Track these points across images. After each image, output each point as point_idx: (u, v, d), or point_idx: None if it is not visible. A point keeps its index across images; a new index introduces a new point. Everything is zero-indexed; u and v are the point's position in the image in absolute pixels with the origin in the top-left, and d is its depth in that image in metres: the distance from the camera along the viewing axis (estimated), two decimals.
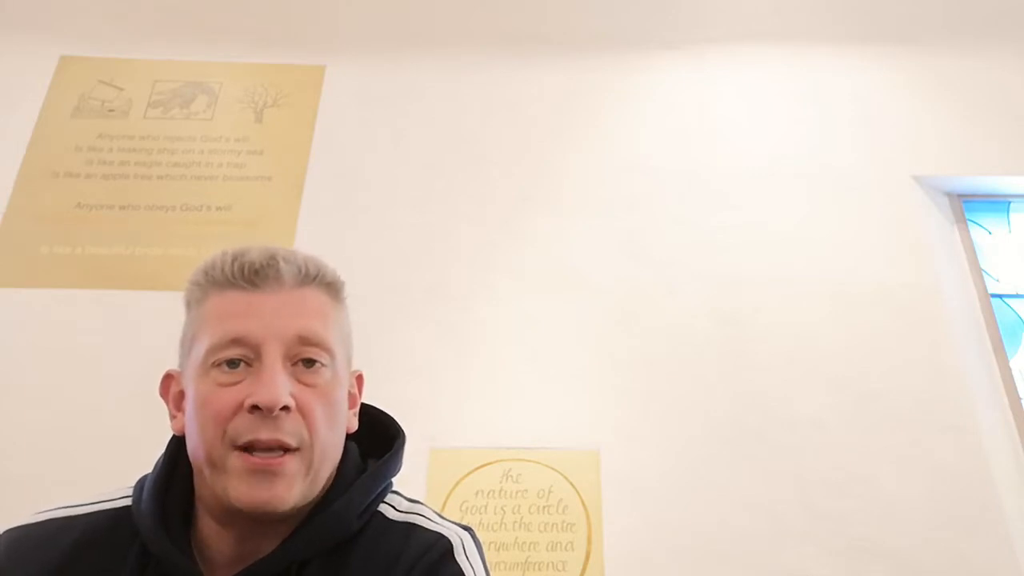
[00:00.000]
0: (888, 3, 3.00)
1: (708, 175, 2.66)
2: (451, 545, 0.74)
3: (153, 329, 2.32)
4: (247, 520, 0.69)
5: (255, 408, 0.67)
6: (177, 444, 0.76)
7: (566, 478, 2.13)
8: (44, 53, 2.85)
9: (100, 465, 2.08)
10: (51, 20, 2.95)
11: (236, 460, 0.67)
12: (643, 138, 2.75)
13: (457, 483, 2.12)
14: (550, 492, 2.12)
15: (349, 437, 0.79)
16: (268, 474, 0.67)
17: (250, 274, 0.72)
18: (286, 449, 0.68)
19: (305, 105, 2.80)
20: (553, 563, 2.03)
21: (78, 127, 2.72)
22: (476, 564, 0.75)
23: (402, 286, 2.43)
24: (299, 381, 0.70)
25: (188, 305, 0.77)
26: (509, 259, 2.49)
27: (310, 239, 2.51)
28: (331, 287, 0.79)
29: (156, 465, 0.76)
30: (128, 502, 0.75)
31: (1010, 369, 2.38)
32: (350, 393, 0.79)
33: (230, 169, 2.66)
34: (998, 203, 2.75)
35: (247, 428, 0.67)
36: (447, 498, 2.10)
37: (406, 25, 3.00)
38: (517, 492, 2.11)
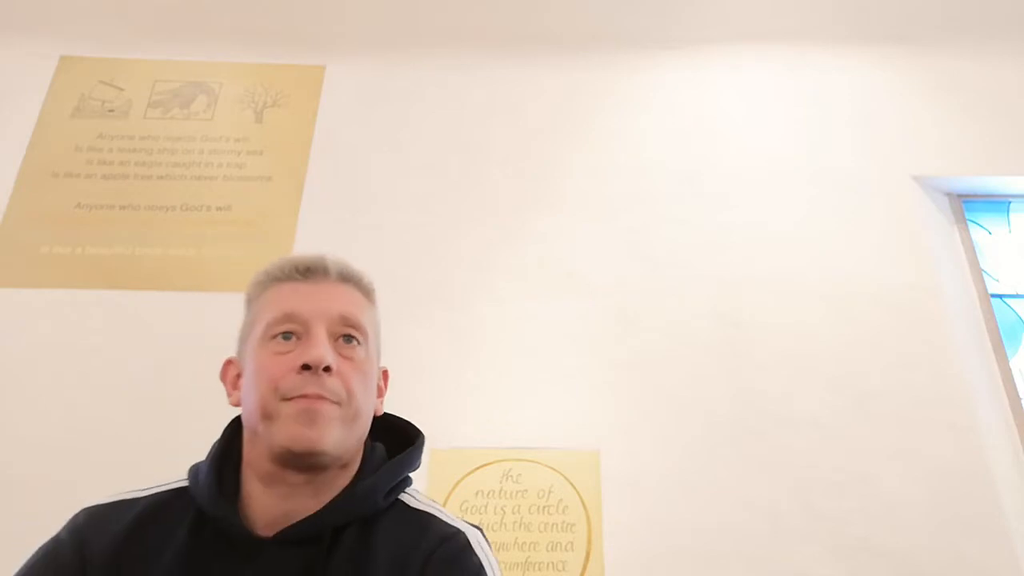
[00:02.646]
0: (888, 3, 3.00)
1: (708, 175, 2.66)
2: (468, 539, 0.82)
3: (153, 329, 2.33)
4: (289, 481, 0.81)
5: (304, 368, 0.81)
6: (230, 430, 0.91)
7: (566, 478, 2.13)
8: (44, 53, 2.85)
9: (101, 465, 2.08)
10: (51, 20, 2.95)
11: (286, 407, 0.80)
12: (643, 138, 2.75)
13: (457, 483, 2.12)
14: (550, 492, 2.12)
15: (373, 438, 0.91)
16: (312, 414, 0.79)
17: (302, 269, 0.89)
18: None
19: (305, 105, 2.81)
20: (553, 563, 2.03)
21: (78, 127, 2.72)
22: (492, 559, 0.83)
23: (402, 286, 2.43)
24: (339, 354, 0.85)
25: (249, 300, 0.92)
26: (509, 259, 2.49)
27: (310, 239, 2.51)
28: (366, 290, 0.96)
29: (213, 447, 0.90)
30: (183, 484, 0.88)
31: (1010, 369, 2.38)
32: (378, 384, 0.93)
33: (230, 169, 2.67)
34: (998, 203, 2.75)
35: (297, 385, 0.80)
36: (447, 498, 2.10)
37: (406, 25, 3.00)
38: (517, 492, 2.11)
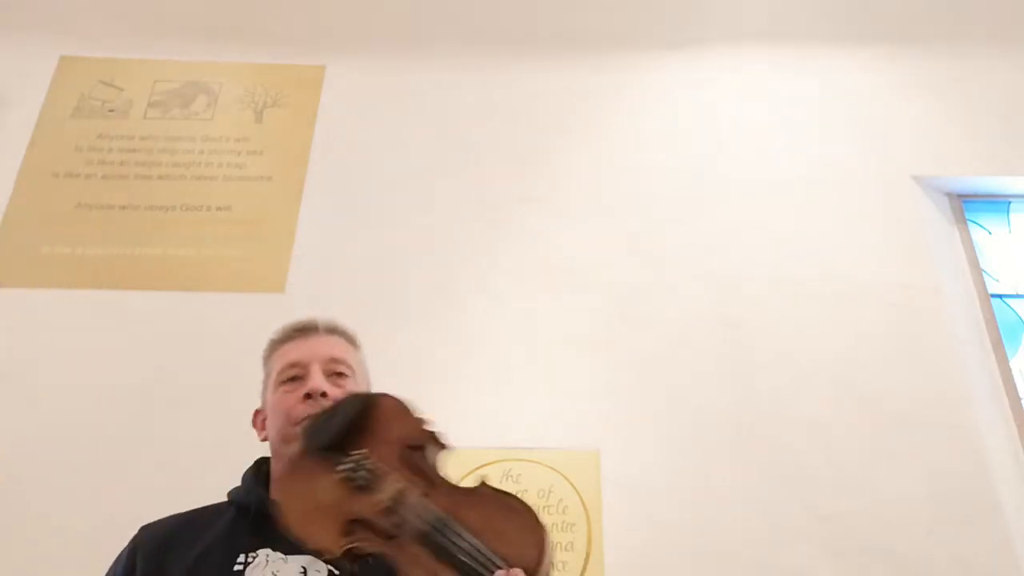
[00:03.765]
0: (888, 3, 3.00)
1: (708, 175, 2.65)
2: None
3: (153, 329, 2.32)
4: None
5: (307, 396, 1.06)
6: (256, 464, 1.14)
7: (566, 478, 2.13)
8: (44, 53, 2.85)
9: (100, 465, 2.08)
10: (51, 20, 2.95)
11: (298, 428, 1.02)
12: (643, 138, 2.75)
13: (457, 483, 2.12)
14: (550, 492, 2.12)
15: None
16: None
17: (299, 329, 1.18)
18: None
19: (305, 105, 2.80)
20: (553, 563, 2.03)
21: (78, 127, 2.72)
22: None
23: (402, 286, 2.43)
24: (333, 385, 1.10)
25: (264, 361, 1.19)
26: (509, 259, 2.49)
27: (310, 239, 2.51)
28: (350, 339, 1.21)
29: (246, 472, 1.14)
30: (224, 500, 1.09)
31: (1010, 369, 2.37)
32: None
33: (230, 169, 2.66)
34: (998, 203, 2.75)
35: (303, 411, 1.05)
36: None
37: (406, 25, 3.00)
38: (517, 492, 2.11)
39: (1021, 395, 2.34)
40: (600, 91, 2.85)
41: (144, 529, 1.07)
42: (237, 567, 0.94)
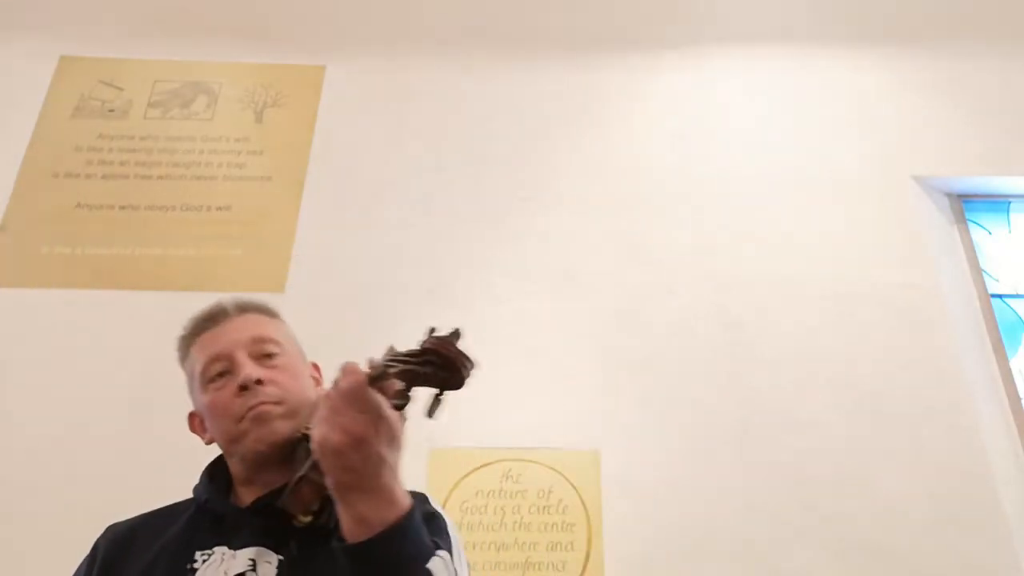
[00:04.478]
0: (888, 3, 3.00)
1: (708, 175, 2.65)
2: (424, 495, 0.96)
3: (153, 329, 2.32)
4: (263, 475, 0.96)
5: (242, 388, 0.97)
6: (213, 462, 1.06)
7: (566, 478, 2.13)
8: (44, 53, 2.85)
9: (100, 465, 2.08)
10: (51, 20, 2.95)
11: (243, 424, 0.97)
12: (643, 138, 2.75)
13: (457, 483, 2.12)
14: (550, 492, 2.12)
15: None
16: (261, 416, 0.96)
17: (207, 319, 1.06)
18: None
19: (305, 105, 2.80)
20: (553, 563, 2.03)
21: (78, 127, 2.72)
22: (449, 519, 0.96)
23: (402, 286, 2.43)
24: (264, 367, 1.00)
25: (181, 361, 1.08)
26: (509, 259, 2.49)
27: (310, 239, 2.51)
28: (266, 310, 1.10)
29: (204, 469, 1.06)
30: (188, 498, 1.03)
31: (1010, 369, 2.37)
32: (312, 376, 1.08)
33: (230, 169, 2.66)
34: (998, 203, 2.75)
35: (242, 404, 0.97)
36: (447, 498, 2.10)
37: (406, 25, 3.00)
38: (517, 492, 2.11)
39: (1021, 395, 2.34)
40: (600, 91, 2.85)
41: (109, 528, 1.04)
42: (193, 565, 0.92)
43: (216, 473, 1.04)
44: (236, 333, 1.03)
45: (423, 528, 0.80)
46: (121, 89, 2.82)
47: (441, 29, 2.99)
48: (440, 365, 0.75)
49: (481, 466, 2.15)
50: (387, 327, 2.35)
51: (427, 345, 0.76)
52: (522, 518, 2.08)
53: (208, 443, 1.04)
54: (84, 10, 2.97)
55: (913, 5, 2.99)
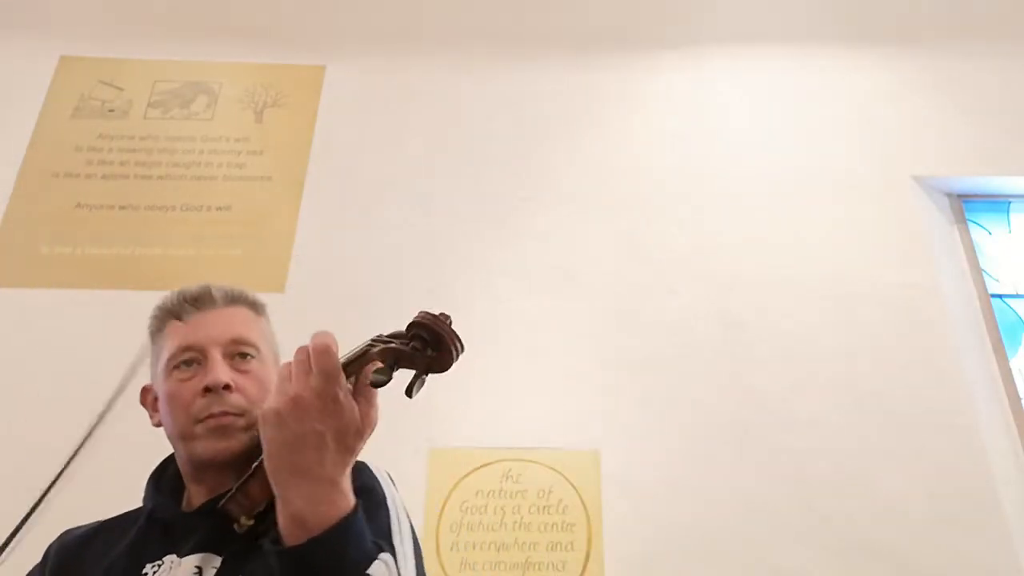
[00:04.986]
0: (888, 3, 3.00)
1: (708, 175, 2.65)
2: (364, 463, 0.90)
3: None
4: (212, 475, 0.92)
5: (207, 390, 0.92)
6: (162, 465, 1.02)
7: (566, 478, 2.13)
8: (44, 53, 2.85)
9: (99, 465, 2.08)
10: (51, 20, 2.95)
11: (200, 428, 0.92)
12: (643, 138, 2.75)
13: (457, 483, 2.12)
14: (550, 492, 2.12)
15: None
16: (222, 430, 0.91)
17: (191, 300, 0.99)
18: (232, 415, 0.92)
19: (305, 105, 2.80)
20: (553, 563, 2.03)
21: (78, 127, 2.72)
22: (385, 480, 0.92)
23: (402, 286, 2.43)
24: (236, 370, 0.95)
25: (151, 334, 1.02)
26: (509, 259, 2.49)
27: (310, 239, 2.51)
28: (253, 305, 1.03)
29: (151, 474, 1.02)
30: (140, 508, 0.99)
31: (1010, 369, 2.37)
32: None
33: (230, 169, 2.67)
34: (998, 203, 2.75)
35: (204, 406, 0.92)
36: (447, 498, 2.10)
37: (406, 25, 3.00)
38: (517, 492, 2.11)
39: (1021, 395, 2.34)
40: (600, 91, 2.85)
41: (62, 536, 1.00)
42: None
43: (163, 478, 0.99)
44: (216, 328, 0.97)
45: (366, 529, 0.73)
46: (121, 89, 2.82)
47: (441, 29, 2.99)
48: (429, 342, 0.72)
49: (481, 466, 2.15)
50: (387, 327, 2.34)
51: (418, 319, 0.73)
52: (522, 518, 2.08)
53: (156, 425, 0.99)
54: (84, 10, 2.97)
55: (913, 5, 2.99)
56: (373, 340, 0.76)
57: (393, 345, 0.74)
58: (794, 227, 2.54)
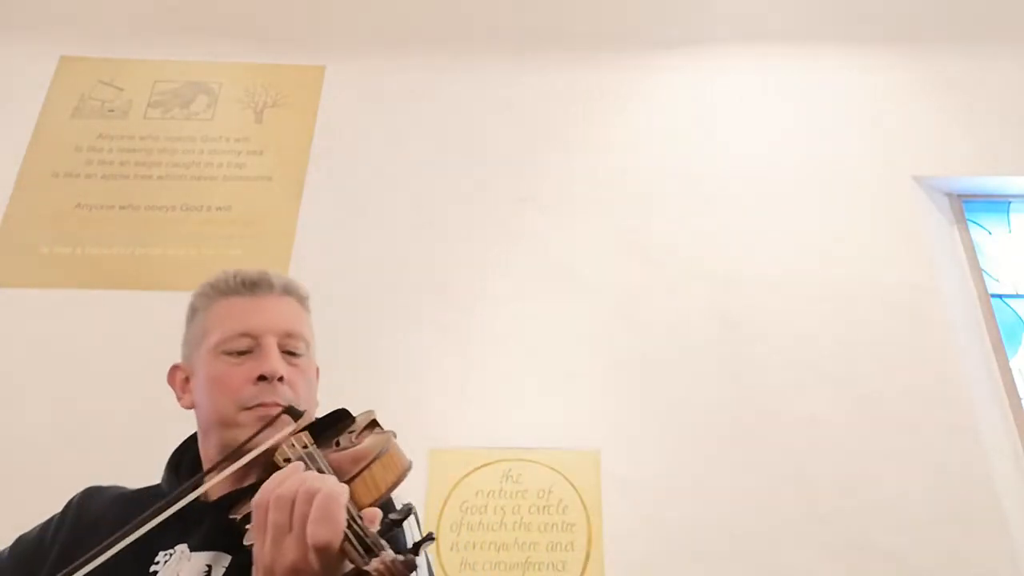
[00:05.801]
0: (889, 3, 3.00)
1: (708, 175, 2.66)
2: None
3: (153, 329, 2.32)
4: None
5: (261, 378, 0.91)
6: (179, 450, 1.01)
7: (566, 478, 2.13)
8: (44, 53, 2.85)
9: (100, 464, 2.08)
10: (51, 20, 2.95)
11: (245, 415, 0.90)
12: (643, 138, 2.75)
13: (457, 483, 2.12)
14: (550, 492, 2.12)
15: None
16: (268, 421, 0.88)
17: (249, 284, 0.98)
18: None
19: (305, 105, 2.80)
20: (553, 563, 2.03)
21: (78, 127, 2.72)
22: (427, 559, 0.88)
23: (402, 286, 2.43)
24: (288, 364, 0.94)
25: (195, 310, 1.01)
26: (509, 259, 2.49)
27: (310, 239, 2.51)
28: (303, 299, 1.03)
29: (169, 458, 1.01)
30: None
31: (1010, 369, 2.38)
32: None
33: (230, 169, 2.67)
34: (998, 203, 2.75)
35: (254, 395, 0.90)
36: (447, 498, 2.10)
37: (406, 25, 3.00)
38: (517, 492, 2.11)
39: (1021, 395, 2.34)
40: (600, 91, 2.85)
41: (87, 491, 0.98)
42: (154, 567, 0.85)
43: (182, 463, 0.98)
44: (273, 318, 0.95)
45: None
46: (121, 89, 2.82)
47: (441, 29, 2.99)
48: None
49: (481, 466, 2.15)
50: (387, 327, 2.35)
51: (379, 568, 0.61)
52: (522, 518, 2.08)
53: (185, 407, 0.98)
54: (84, 10, 2.97)
55: (913, 6, 2.99)
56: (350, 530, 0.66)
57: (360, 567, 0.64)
58: (794, 227, 2.54)
